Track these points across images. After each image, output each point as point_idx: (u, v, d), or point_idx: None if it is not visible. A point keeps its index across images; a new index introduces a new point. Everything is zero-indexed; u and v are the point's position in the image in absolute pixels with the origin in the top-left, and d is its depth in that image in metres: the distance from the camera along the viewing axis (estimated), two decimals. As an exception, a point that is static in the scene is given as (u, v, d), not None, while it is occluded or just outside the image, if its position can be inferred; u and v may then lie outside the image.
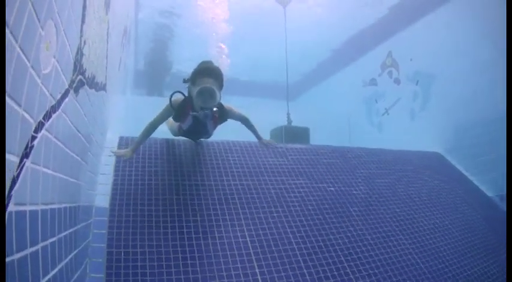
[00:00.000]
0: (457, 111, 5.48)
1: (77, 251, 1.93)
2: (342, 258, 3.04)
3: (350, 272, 2.93)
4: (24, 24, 1.00)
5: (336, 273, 2.89)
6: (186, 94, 3.19)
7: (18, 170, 1.02)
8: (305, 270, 2.83)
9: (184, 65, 9.07)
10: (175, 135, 3.82)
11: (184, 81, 3.17)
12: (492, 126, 4.86)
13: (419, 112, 6.28)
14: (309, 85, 10.21)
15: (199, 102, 2.97)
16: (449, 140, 5.65)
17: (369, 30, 7.48)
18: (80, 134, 1.99)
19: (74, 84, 1.73)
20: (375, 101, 7.35)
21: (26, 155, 1.08)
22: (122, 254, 2.52)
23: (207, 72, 2.99)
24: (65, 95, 1.56)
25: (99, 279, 2.33)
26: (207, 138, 3.77)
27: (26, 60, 1.03)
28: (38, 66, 1.15)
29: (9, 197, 0.95)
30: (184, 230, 2.89)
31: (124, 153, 3.29)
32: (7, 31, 0.89)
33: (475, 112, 5.16)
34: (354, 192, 3.90)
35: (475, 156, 5.20)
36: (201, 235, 2.88)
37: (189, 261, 2.64)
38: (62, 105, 1.52)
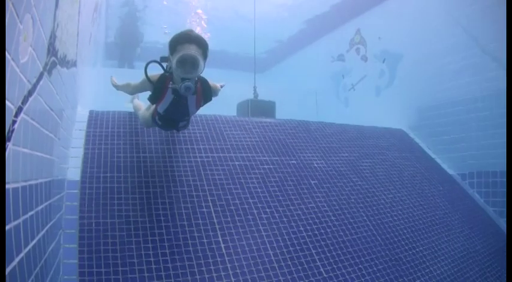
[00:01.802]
0: (422, 91, 5.69)
1: (51, 223, 2.07)
2: (302, 229, 3.26)
3: (308, 242, 3.16)
4: (7, 23, 1.10)
5: (295, 242, 3.12)
6: (164, 66, 2.78)
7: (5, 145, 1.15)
8: (266, 239, 3.05)
9: (156, 36, 9.05)
10: (148, 126, 3.40)
11: (162, 59, 2.74)
12: (457, 107, 5.09)
13: (384, 89, 6.51)
14: (278, 58, 10.27)
15: (179, 73, 2.58)
16: (413, 117, 5.88)
17: (340, 5, 7.60)
18: (52, 112, 2.08)
19: (48, 67, 1.83)
20: (342, 77, 7.55)
21: (8, 138, 1.21)
22: (93, 224, 2.67)
23: (188, 38, 2.60)
24: (39, 78, 1.66)
25: (72, 249, 2.48)
26: (187, 124, 3.33)
27: (7, 54, 1.14)
28: (17, 57, 1.26)
29: (-4, 177, 1.08)
30: (152, 201, 3.04)
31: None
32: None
33: (441, 93, 5.36)
34: (315, 165, 4.11)
35: (439, 135, 5.44)
36: (167, 206, 3.05)
37: (156, 231, 2.81)
38: (37, 88, 1.63)
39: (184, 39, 2.59)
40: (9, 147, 1.22)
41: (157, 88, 2.78)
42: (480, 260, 3.85)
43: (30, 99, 1.51)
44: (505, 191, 4.45)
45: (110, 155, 3.29)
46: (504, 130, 4.26)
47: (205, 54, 2.67)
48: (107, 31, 8.40)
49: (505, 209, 4.47)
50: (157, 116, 3.07)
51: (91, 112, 3.65)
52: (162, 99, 2.83)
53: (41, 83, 1.69)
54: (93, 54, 4.97)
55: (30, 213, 1.51)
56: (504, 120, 4.30)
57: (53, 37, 1.90)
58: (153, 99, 2.88)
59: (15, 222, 1.28)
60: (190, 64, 2.56)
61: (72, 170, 3.00)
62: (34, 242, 1.56)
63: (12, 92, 1.23)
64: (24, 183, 1.42)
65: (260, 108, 5.43)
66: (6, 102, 1.16)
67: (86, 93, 3.94)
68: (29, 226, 1.50)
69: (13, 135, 1.26)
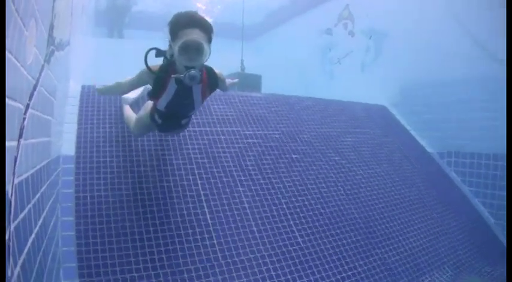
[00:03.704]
0: (406, 70, 5.76)
1: (52, 199, 2.26)
2: (282, 201, 3.51)
3: (288, 213, 3.41)
4: (16, 37, 1.24)
5: (275, 213, 3.37)
6: (166, 54, 2.53)
7: (17, 151, 1.32)
8: (248, 211, 3.29)
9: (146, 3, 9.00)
10: (144, 129, 3.18)
11: (159, 54, 2.51)
12: (439, 88, 5.21)
13: (369, 65, 6.62)
14: (266, 28, 10.22)
15: (182, 61, 2.35)
16: (396, 95, 6.02)
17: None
18: (50, 96, 2.23)
19: (47, 57, 1.97)
20: (329, 50, 7.65)
21: (20, 135, 1.37)
22: (88, 197, 2.87)
23: (191, 22, 2.32)
24: (41, 70, 1.80)
25: (70, 222, 2.68)
26: (188, 122, 3.12)
27: (17, 63, 1.28)
28: (25, 62, 1.40)
29: (14, 174, 1.26)
30: (142, 174, 3.23)
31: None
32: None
33: (424, 73, 5.45)
34: (297, 139, 4.32)
35: (420, 114, 5.60)
36: (157, 178, 3.25)
37: (147, 202, 3.03)
38: (40, 80, 1.78)
39: (186, 22, 2.32)
40: (22, 143, 1.39)
41: (158, 78, 2.50)
42: (452, 237, 4.10)
43: (35, 93, 1.66)
44: (482, 172, 4.71)
45: (103, 129, 3.44)
46: (484, 114, 4.55)
47: (209, 39, 2.40)
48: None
49: (480, 190, 4.75)
50: (156, 114, 2.82)
51: (83, 87, 3.76)
52: (164, 92, 2.56)
53: (43, 74, 1.84)
54: (84, 25, 5.02)
55: (37, 196, 1.69)
56: (486, 104, 4.57)
57: (51, 28, 2.03)
58: (154, 92, 2.61)
59: (28, 208, 1.47)
60: (194, 51, 2.32)
61: (67, 145, 3.15)
62: (41, 221, 1.76)
63: (21, 93, 1.38)
64: (32, 170, 1.60)
65: (247, 81, 5.53)
66: (18, 104, 1.31)
67: (77, 66, 4.02)
68: (38, 207, 1.69)
69: (24, 131, 1.43)
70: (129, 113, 3.43)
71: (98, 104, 3.65)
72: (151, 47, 2.48)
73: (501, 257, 4.02)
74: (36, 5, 1.51)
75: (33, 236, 1.52)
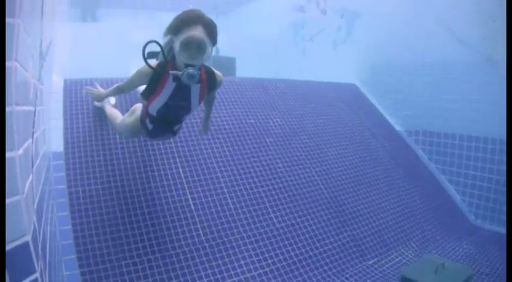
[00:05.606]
0: (376, 50, 5.99)
1: (51, 197, 2.48)
2: (258, 184, 3.80)
3: (264, 196, 3.73)
4: (22, 84, 1.39)
5: (252, 196, 3.67)
6: (163, 50, 2.43)
7: (32, 179, 1.54)
8: (227, 195, 3.59)
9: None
10: (133, 133, 3.03)
11: (149, 55, 2.42)
12: (408, 69, 5.47)
13: (341, 44, 6.80)
14: (238, 3, 10.08)
15: (183, 58, 2.31)
16: (366, 74, 6.26)
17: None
18: (41, 107, 2.37)
19: (40, 75, 2.13)
20: (302, 27, 7.77)
21: (32, 165, 1.59)
22: (80, 192, 3.10)
23: (195, 19, 2.29)
24: (37, 93, 1.97)
25: (65, 216, 2.91)
26: (180, 127, 3.09)
27: (26, 108, 1.45)
28: (27, 100, 1.53)
29: (34, 198, 1.48)
30: (128, 166, 3.46)
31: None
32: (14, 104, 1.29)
33: (397, 54, 5.66)
34: (271, 123, 4.58)
35: (389, 93, 5.86)
36: (142, 169, 3.48)
37: (134, 193, 3.29)
38: (36, 103, 1.95)
39: (192, 19, 2.29)
40: (34, 168, 1.60)
41: (156, 74, 2.43)
42: (418, 214, 4.46)
43: (35, 118, 1.85)
44: (448, 150, 5.05)
45: (88, 123, 3.62)
46: (449, 96, 4.89)
47: (214, 40, 2.37)
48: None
49: (447, 167, 5.10)
50: (148, 118, 2.74)
51: (65, 81, 3.89)
52: (161, 91, 2.49)
53: (38, 95, 2.00)
54: (61, 17, 5.03)
55: (44, 206, 1.92)
56: (451, 87, 4.90)
57: (40, 44, 2.17)
58: (149, 90, 2.53)
59: (43, 221, 1.70)
60: (195, 48, 2.28)
61: (55, 141, 3.34)
62: (49, 226, 2.00)
63: (29, 129, 1.55)
64: (41, 186, 1.82)
65: (221, 65, 5.63)
66: (28, 141, 1.51)
67: (58, 61, 4.10)
68: (48, 215, 1.92)
69: (34, 159, 1.64)
70: (113, 111, 3.39)
71: (81, 97, 3.80)
72: (149, 40, 2.34)
73: (466, 233, 4.41)
74: (33, 46, 1.68)
75: (47, 245, 1.77)
